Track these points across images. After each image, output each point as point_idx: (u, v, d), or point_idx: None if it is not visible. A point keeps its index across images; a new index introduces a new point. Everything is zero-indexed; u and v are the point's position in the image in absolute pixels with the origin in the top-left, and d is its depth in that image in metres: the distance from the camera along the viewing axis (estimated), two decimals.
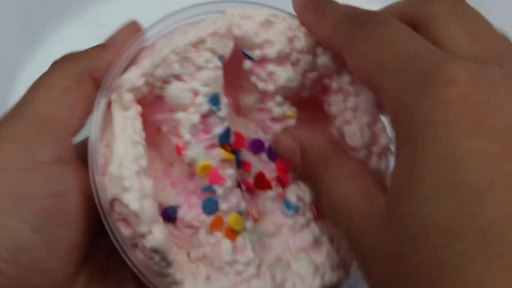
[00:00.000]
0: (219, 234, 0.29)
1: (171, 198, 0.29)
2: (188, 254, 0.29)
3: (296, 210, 0.30)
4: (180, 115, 0.28)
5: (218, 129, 0.28)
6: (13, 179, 0.24)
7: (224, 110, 0.28)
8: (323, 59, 0.29)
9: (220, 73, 0.28)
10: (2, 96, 0.41)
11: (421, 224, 0.20)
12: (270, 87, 0.29)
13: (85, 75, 0.27)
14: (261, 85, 0.29)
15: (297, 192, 0.30)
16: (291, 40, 0.28)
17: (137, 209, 0.25)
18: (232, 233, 0.29)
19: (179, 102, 0.28)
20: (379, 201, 0.23)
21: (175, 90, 0.28)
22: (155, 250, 0.26)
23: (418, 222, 0.20)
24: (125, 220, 0.26)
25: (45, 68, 0.41)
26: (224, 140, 0.29)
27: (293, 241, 0.30)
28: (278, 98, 0.30)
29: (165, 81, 0.28)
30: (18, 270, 0.23)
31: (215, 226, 0.29)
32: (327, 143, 0.28)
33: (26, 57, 0.41)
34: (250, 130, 0.31)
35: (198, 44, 0.28)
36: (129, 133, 0.26)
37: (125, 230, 0.26)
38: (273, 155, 0.31)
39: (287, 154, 0.30)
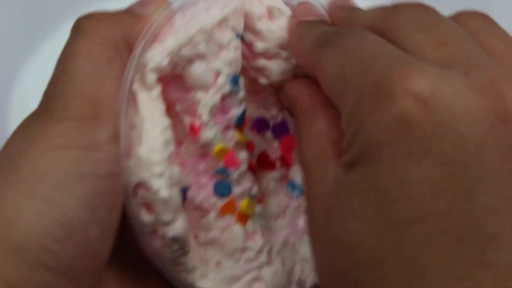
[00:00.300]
0: (230, 218, 0.28)
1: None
2: (196, 237, 0.28)
3: (301, 191, 0.30)
4: (200, 95, 0.27)
5: (236, 111, 0.28)
6: (71, 157, 0.23)
7: (242, 91, 0.28)
8: None
9: (239, 52, 0.28)
10: (3, 96, 0.41)
11: (347, 236, 0.20)
12: (264, 81, 0.28)
13: (123, 44, 0.25)
14: (262, 80, 0.29)
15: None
16: (281, 41, 0.28)
17: (166, 196, 0.24)
18: (243, 218, 0.28)
19: (201, 82, 0.27)
20: (330, 176, 0.22)
21: (199, 70, 0.27)
22: (176, 239, 0.25)
23: (345, 233, 0.20)
24: (147, 206, 0.25)
25: (45, 67, 0.41)
26: (240, 122, 0.28)
27: (298, 223, 0.30)
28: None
29: (189, 61, 0.27)
30: (69, 250, 0.22)
31: (227, 209, 0.28)
32: (309, 95, 0.26)
33: (27, 56, 0.41)
34: (251, 109, 0.30)
35: (222, 22, 0.27)
36: (158, 116, 0.25)
37: (146, 216, 0.25)
38: (278, 132, 0.30)
39: (288, 107, 0.29)
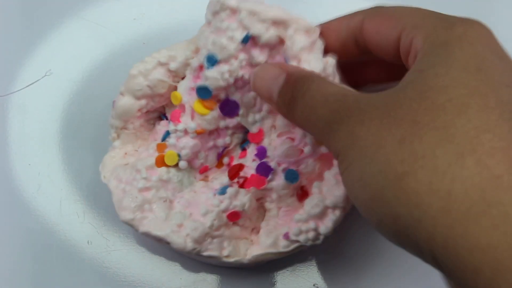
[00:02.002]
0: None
1: None
2: None
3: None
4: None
5: (202, 82, 0.33)
6: None
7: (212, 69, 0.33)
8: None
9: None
10: (2, 100, 0.40)
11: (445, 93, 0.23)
12: None
13: None
14: None
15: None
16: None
17: None
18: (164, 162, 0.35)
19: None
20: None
21: None
22: None
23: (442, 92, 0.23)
24: None
25: (44, 67, 0.41)
26: (202, 94, 0.33)
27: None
28: None
29: None
30: None
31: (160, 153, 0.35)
32: (310, 71, 0.29)
33: (26, 56, 0.41)
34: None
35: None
36: None
37: None
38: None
39: (265, 83, 0.30)
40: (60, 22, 0.42)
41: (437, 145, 0.22)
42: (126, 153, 0.36)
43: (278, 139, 0.33)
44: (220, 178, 0.35)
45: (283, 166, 0.33)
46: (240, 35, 0.31)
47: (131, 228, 0.37)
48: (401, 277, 0.37)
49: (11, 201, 0.38)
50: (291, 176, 0.33)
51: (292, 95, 0.28)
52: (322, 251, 0.38)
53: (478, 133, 0.21)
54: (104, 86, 0.40)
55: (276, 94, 0.29)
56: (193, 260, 0.37)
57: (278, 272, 0.38)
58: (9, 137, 0.40)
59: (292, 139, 0.32)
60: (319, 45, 0.31)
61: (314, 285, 0.37)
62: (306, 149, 0.32)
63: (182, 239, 0.33)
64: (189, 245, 0.33)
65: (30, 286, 0.37)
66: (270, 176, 0.33)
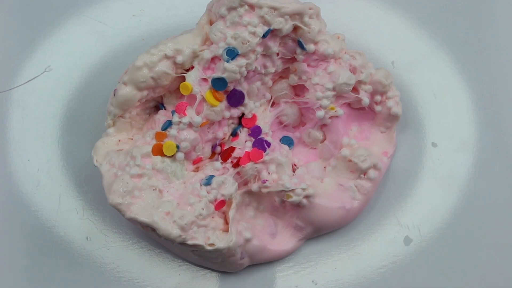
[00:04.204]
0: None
1: None
2: None
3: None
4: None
5: (217, 74, 0.34)
6: None
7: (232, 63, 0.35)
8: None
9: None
10: (2, 96, 0.40)
11: None
12: (329, 85, 0.36)
13: None
14: (316, 80, 0.36)
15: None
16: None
17: None
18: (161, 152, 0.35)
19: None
20: None
21: None
22: None
23: None
24: None
25: (44, 64, 0.41)
26: (216, 85, 0.35)
27: None
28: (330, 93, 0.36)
29: None
30: None
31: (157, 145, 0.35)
32: None
33: (26, 53, 0.41)
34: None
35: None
36: None
37: None
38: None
39: None
40: (60, 18, 0.42)
41: None
42: (120, 140, 0.37)
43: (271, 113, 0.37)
44: (211, 165, 0.36)
45: (278, 137, 0.37)
46: (261, 30, 0.34)
47: (130, 224, 0.37)
48: (399, 276, 0.38)
49: (10, 197, 0.38)
50: (287, 141, 0.37)
51: None
52: (322, 248, 0.38)
53: None
54: (104, 82, 0.40)
55: None
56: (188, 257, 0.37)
57: (277, 268, 0.38)
58: (9, 133, 0.40)
59: None
60: (325, 24, 0.36)
61: (312, 281, 0.38)
62: None
63: (168, 225, 0.33)
64: (175, 232, 0.33)
65: (28, 281, 0.37)
66: (267, 150, 0.36)
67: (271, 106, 0.38)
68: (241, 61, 0.34)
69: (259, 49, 0.34)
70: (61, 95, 0.40)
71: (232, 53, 0.34)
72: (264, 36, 0.34)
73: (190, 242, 0.33)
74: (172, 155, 0.35)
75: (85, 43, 0.41)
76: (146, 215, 0.33)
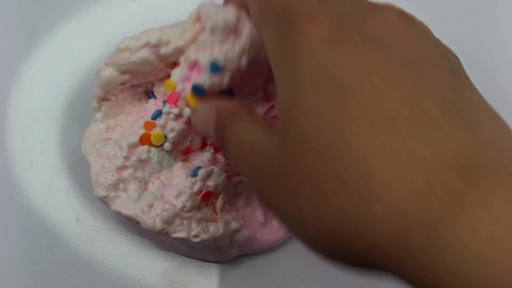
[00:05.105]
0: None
1: None
2: None
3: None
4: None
5: (199, 79, 0.33)
6: None
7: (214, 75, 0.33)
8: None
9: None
10: (0, 97, 0.40)
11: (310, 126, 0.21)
12: None
13: None
14: None
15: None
16: None
17: None
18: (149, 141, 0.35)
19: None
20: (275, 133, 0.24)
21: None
22: None
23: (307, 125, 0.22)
24: None
25: (42, 67, 0.41)
26: (197, 90, 0.33)
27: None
28: None
29: None
30: None
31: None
32: (240, 105, 0.28)
33: (24, 56, 0.41)
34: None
35: None
36: None
37: None
38: None
39: (202, 122, 0.31)
40: (59, 20, 0.42)
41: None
42: (108, 127, 0.36)
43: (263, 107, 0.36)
44: (202, 155, 0.36)
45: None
46: (252, 54, 0.33)
47: None
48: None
49: (2, 175, 0.39)
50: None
51: (221, 137, 0.27)
52: None
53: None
54: (101, 66, 0.40)
55: (213, 134, 0.28)
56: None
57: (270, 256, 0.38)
58: (3, 112, 0.40)
59: None
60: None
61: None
62: None
63: (151, 219, 0.33)
64: (158, 225, 0.33)
65: (17, 262, 0.37)
66: None
67: (265, 101, 0.38)
68: (225, 75, 0.32)
69: (247, 64, 0.33)
70: (58, 76, 0.40)
71: (216, 67, 0.32)
72: (253, 57, 0.33)
73: (174, 235, 0.33)
74: (160, 145, 0.35)
75: (85, 28, 0.42)
76: (129, 209, 0.33)
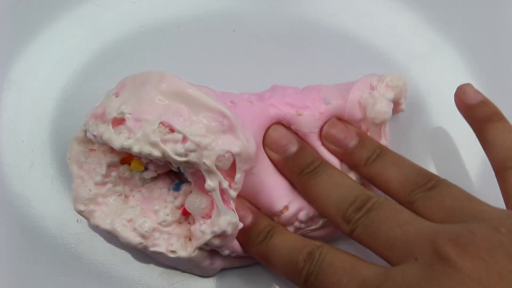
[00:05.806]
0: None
1: None
2: None
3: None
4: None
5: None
6: None
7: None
8: None
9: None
10: (1, 97, 0.41)
11: None
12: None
13: None
14: None
15: None
16: None
17: None
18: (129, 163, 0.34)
19: None
20: None
21: None
22: None
23: None
24: None
25: (42, 68, 0.41)
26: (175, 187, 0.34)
27: None
28: None
29: None
30: None
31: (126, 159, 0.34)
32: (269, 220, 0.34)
33: (25, 57, 0.42)
34: None
35: None
36: None
37: None
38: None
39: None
40: (53, 19, 0.42)
41: None
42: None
43: None
44: None
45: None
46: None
47: None
48: None
49: (2, 177, 0.39)
50: None
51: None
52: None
53: None
54: (101, 67, 0.41)
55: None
56: None
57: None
58: (4, 113, 0.40)
59: None
60: None
61: None
62: None
63: (128, 233, 0.33)
64: (136, 239, 0.33)
65: (17, 262, 0.37)
66: None
67: None
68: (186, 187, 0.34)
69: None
70: (58, 77, 0.41)
71: (177, 187, 0.34)
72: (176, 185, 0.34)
73: (151, 249, 0.33)
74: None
75: (85, 28, 0.42)
76: (107, 223, 0.33)
